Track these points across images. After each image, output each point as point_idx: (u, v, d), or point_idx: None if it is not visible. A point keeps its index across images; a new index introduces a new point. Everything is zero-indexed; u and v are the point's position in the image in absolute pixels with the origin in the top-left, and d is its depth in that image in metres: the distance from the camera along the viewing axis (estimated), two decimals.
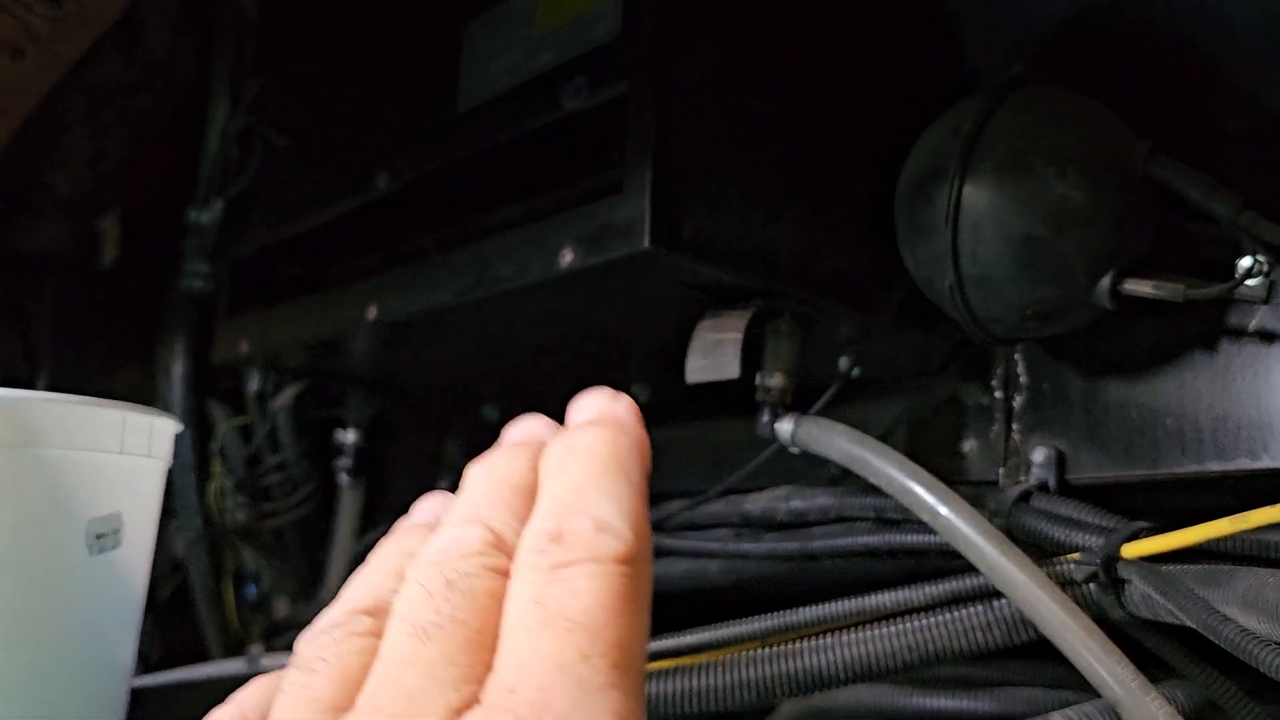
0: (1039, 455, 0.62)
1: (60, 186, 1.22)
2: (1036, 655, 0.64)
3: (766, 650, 0.55)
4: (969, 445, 0.66)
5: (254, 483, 0.98)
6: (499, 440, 0.32)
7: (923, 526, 0.60)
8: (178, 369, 0.97)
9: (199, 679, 0.76)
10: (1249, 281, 0.53)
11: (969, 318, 0.56)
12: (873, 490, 0.63)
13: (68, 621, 0.51)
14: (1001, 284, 0.54)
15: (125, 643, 0.56)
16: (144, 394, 1.03)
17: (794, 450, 0.61)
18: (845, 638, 0.54)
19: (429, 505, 0.33)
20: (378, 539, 0.96)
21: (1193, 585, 0.49)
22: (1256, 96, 0.56)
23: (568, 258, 0.55)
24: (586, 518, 0.26)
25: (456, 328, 0.69)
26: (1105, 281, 0.53)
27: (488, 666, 0.24)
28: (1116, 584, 0.52)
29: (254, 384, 0.92)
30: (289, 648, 0.85)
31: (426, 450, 1.00)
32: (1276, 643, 0.44)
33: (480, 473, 0.30)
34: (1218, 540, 0.50)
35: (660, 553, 0.76)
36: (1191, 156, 0.53)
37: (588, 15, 0.58)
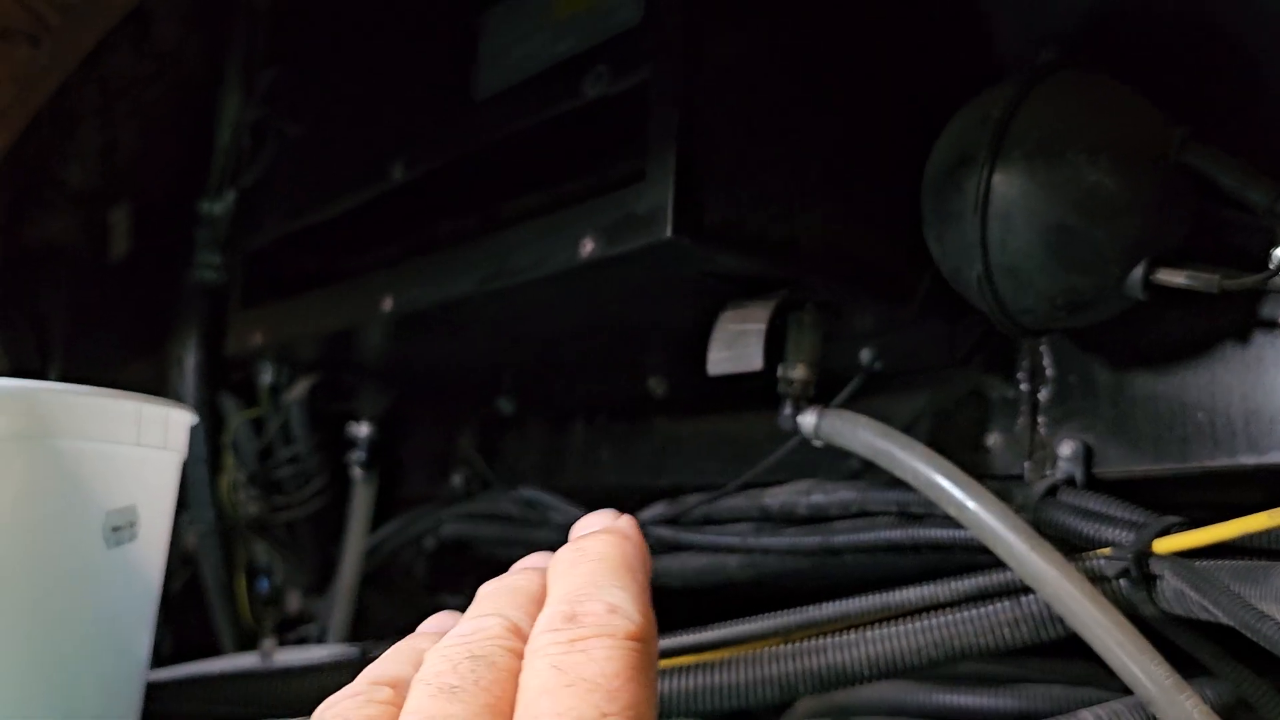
0: (1066, 449, 0.61)
1: (72, 179, 1.22)
2: (1056, 651, 0.64)
3: (789, 646, 0.54)
4: (993, 439, 0.65)
5: (266, 476, 0.98)
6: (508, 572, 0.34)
7: (948, 521, 0.60)
8: (190, 361, 0.97)
9: (213, 673, 0.75)
10: None
11: (997, 308, 0.55)
12: (896, 484, 0.62)
13: (85, 615, 0.51)
14: (1032, 274, 0.53)
15: (141, 636, 0.55)
16: (156, 386, 1.02)
17: (817, 443, 0.60)
18: (870, 634, 0.54)
19: (437, 620, 0.35)
20: (390, 533, 0.95)
21: (1228, 581, 0.48)
22: None
23: (588, 247, 0.55)
24: (599, 602, 0.28)
25: (473, 319, 0.68)
26: (1138, 271, 0.52)
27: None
28: (1148, 580, 0.51)
29: (267, 376, 0.91)
30: (301, 641, 0.85)
31: (440, 444, 0.99)
32: None
33: (492, 586, 0.32)
34: (1253, 535, 0.49)
35: (678, 547, 0.75)
36: (1227, 143, 0.52)
37: (609, 1, 0.57)
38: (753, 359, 0.56)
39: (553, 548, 0.91)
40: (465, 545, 0.94)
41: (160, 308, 1.10)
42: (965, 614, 0.53)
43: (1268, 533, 0.49)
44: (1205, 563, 0.50)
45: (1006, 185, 0.52)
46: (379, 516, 0.97)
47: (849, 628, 0.55)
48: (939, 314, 0.65)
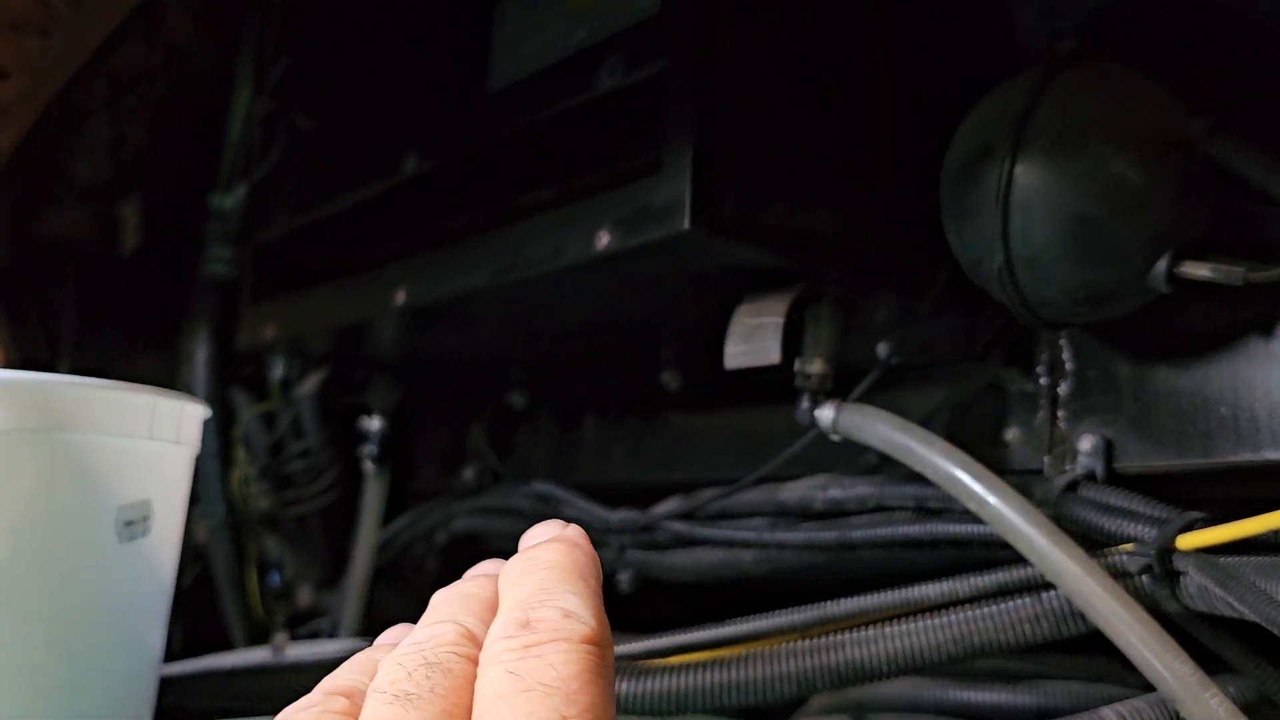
0: (1086, 444, 0.60)
1: (81, 173, 1.22)
2: (1074, 648, 0.63)
3: (806, 642, 0.54)
4: (1012, 433, 0.64)
5: (277, 470, 0.98)
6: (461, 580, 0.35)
7: (966, 516, 0.59)
8: (201, 355, 0.97)
9: (224, 668, 0.75)
10: None
11: (1018, 301, 0.54)
12: (913, 479, 0.61)
13: (98, 609, 0.50)
14: (1053, 266, 0.52)
15: (154, 631, 0.55)
16: (166, 380, 1.02)
17: (834, 438, 0.59)
18: (888, 630, 0.53)
19: (394, 631, 0.35)
20: (402, 527, 0.95)
21: (1253, 577, 0.48)
22: None
23: (604, 240, 0.54)
24: (553, 608, 0.28)
25: (486, 312, 0.68)
26: (1162, 264, 0.51)
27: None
28: (1171, 576, 0.51)
29: (278, 370, 0.91)
30: (313, 636, 0.84)
31: (451, 438, 0.99)
32: None
33: (446, 594, 0.32)
34: (1278, 531, 0.49)
35: (693, 542, 0.75)
36: (1253, 134, 0.51)
37: None
38: (770, 352, 0.55)
39: None
40: (477, 539, 0.93)
41: (169, 302, 1.10)
42: (985, 610, 0.53)
43: None
44: (1229, 559, 0.50)
45: (1028, 176, 0.52)
46: (390, 511, 0.97)
47: (867, 624, 0.54)
48: (956, 307, 0.64)
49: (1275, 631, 0.45)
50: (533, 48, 0.62)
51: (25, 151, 0.99)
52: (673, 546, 0.76)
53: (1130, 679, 0.61)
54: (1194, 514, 0.52)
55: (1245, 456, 0.55)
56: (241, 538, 1.00)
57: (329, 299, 0.76)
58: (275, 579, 1.04)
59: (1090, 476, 0.59)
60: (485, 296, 0.63)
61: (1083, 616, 0.51)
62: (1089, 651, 0.64)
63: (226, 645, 1.01)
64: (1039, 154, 0.51)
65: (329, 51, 0.85)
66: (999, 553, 0.58)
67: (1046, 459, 0.62)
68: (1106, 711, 0.51)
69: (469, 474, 0.95)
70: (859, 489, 0.65)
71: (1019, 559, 0.53)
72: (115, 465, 0.50)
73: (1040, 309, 0.55)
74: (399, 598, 1.01)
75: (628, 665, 0.55)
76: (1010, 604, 0.53)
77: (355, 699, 0.28)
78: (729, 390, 0.78)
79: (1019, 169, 0.52)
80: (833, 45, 0.59)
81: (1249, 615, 0.47)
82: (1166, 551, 0.51)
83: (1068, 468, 0.61)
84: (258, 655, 0.80)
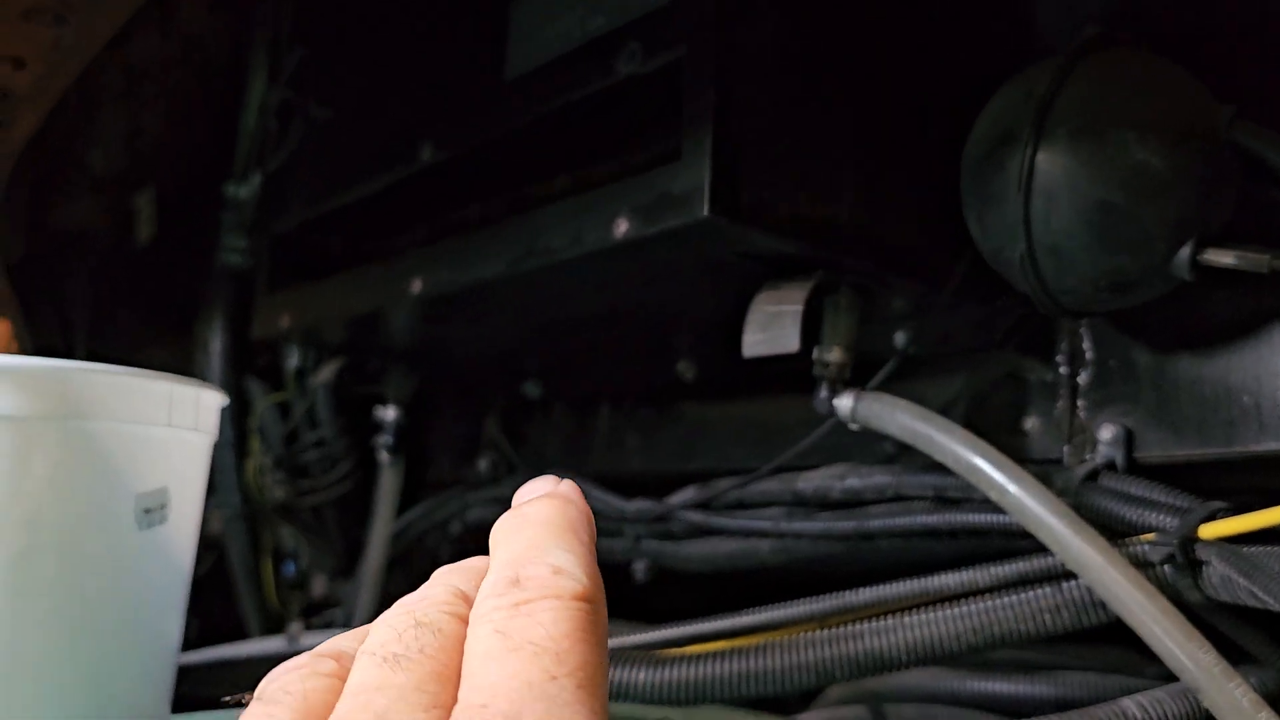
0: (1106, 433, 0.60)
1: (96, 163, 1.22)
2: (1090, 639, 0.63)
3: (825, 632, 0.54)
4: (1031, 422, 0.64)
5: (292, 460, 0.98)
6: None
7: (985, 506, 0.59)
8: (216, 345, 0.97)
9: (241, 657, 0.75)
10: None
11: (1039, 289, 0.54)
12: (932, 468, 0.61)
13: (117, 597, 0.50)
14: (1076, 253, 0.51)
15: (173, 619, 0.55)
16: (180, 370, 1.02)
17: (853, 427, 0.59)
18: (908, 619, 0.53)
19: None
20: (416, 517, 0.95)
21: (1277, 567, 0.47)
22: None
23: (623, 227, 0.54)
24: (543, 564, 0.27)
25: (503, 301, 0.68)
26: (1185, 251, 0.51)
27: (454, 699, 0.25)
28: (1194, 565, 0.50)
29: (293, 360, 0.91)
30: (328, 626, 0.85)
31: (466, 428, 0.99)
32: None
33: (444, 568, 0.32)
34: None
35: (709, 531, 0.74)
36: (1276, 122, 0.51)
37: None
38: (789, 341, 0.55)
39: None
40: (490, 530, 0.93)
41: (184, 292, 1.10)
42: (1005, 600, 0.52)
43: None
44: (1253, 548, 0.49)
45: (1050, 163, 0.51)
46: (405, 501, 0.97)
47: (886, 613, 0.54)
48: (975, 296, 0.64)
49: None
50: (549, 35, 0.61)
51: (40, 142, 0.99)
52: (689, 536, 0.76)
53: (1147, 670, 0.61)
54: (1216, 503, 0.52)
55: (1269, 446, 0.55)
56: (257, 528, 1.01)
57: (345, 288, 0.76)
58: (290, 569, 1.04)
59: (1110, 466, 0.59)
60: (502, 285, 0.62)
61: (1104, 606, 0.50)
62: (1105, 642, 0.64)
63: (241, 635, 1.01)
64: (1062, 141, 0.51)
65: (344, 41, 0.85)
66: (1018, 542, 0.58)
67: (1066, 449, 0.62)
68: (1127, 702, 0.50)
69: (483, 464, 0.95)
70: (877, 478, 0.65)
71: (1038, 549, 0.53)
72: (134, 453, 0.50)
73: (1062, 297, 0.54)
74: (413, 588, 1.01)
75: (645, 654, 0.55)
76: (1031, 593, 0.52)
77: (344, 661, 0.28)
78: (744, 380, 0.78)
79: (1041, 156, 0.51)
80: (852, 32, 0.58)
81: (1273, 605, 0.46)
82: (1189, 541, 0.50)
83: (1088, 457, 0.61)
84: (273, 644, 0.81)
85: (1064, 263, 0.52)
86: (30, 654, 0.47)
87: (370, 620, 0.83)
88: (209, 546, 1.04)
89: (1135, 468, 0.59)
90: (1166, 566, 0.51)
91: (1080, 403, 0.62)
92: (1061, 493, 0.56)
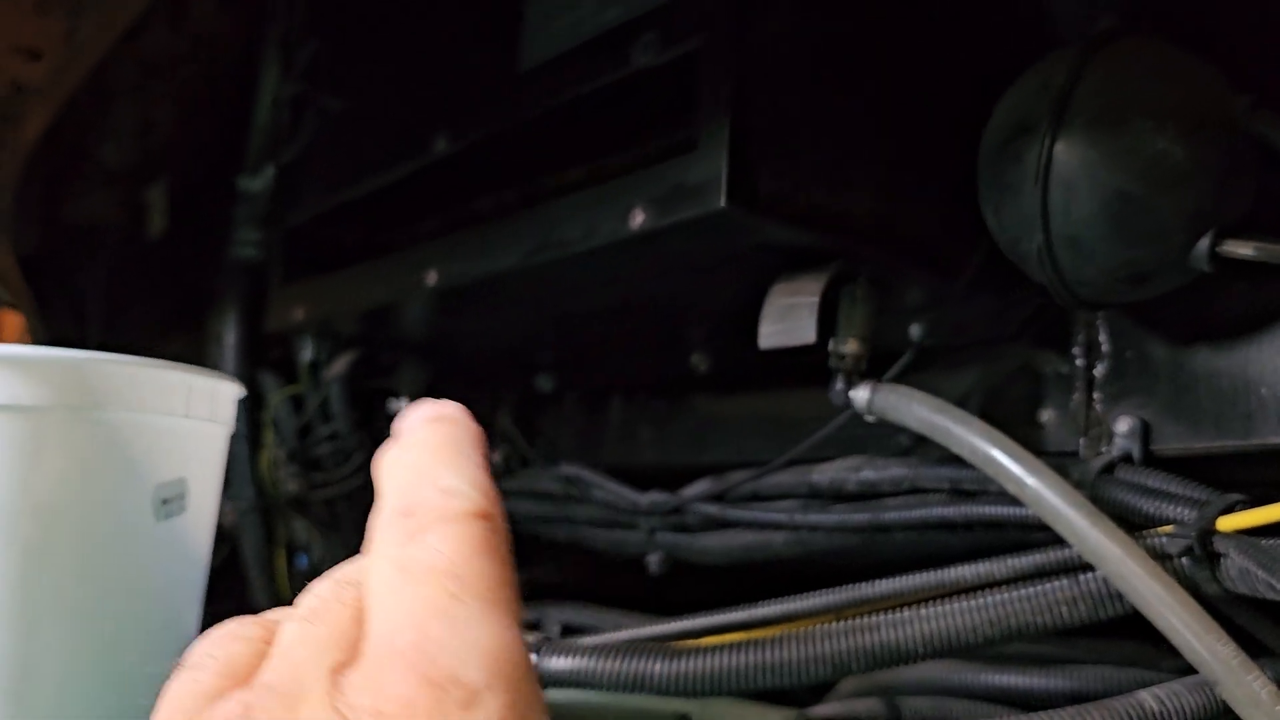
0: (1123, 425, 0.60)
1: (109, 157, 1.22)
2: (1105, 632, 0.63)
3: (841, 624, 0.54)
4: (1047, 415, 0.64)
5: (306, 453, 0.98)
6: None
7: (1002, 498, 0.59)
8: (230, 337, 0.97)
9: None
10: None
11: (1057, 280, 0.54)
12: (948, 461, 0.61)
13: (135, 587, 0.51)
14: (1094, 244, 0.51)
15: (190, 610, 0.55)
16: (193, 363, 1.03)
17: (869, 419, 0.59)
18: (924, 612, 0.53)
19: None
20: None
21: None
22: None
23: (639, 219, 0.54)
24: (431, 489, 0.27)
25: (517, 293, 0.68)
26: (1204, 242, 0.50)
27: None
28: (1212, 558, 0.50)
29: (307, 353, 0.91)
30: None
31: (479, 421, 0.98)
32: None
33: None
34: None
35: (724, 524, 0.74)
36: None
37: None
38: (805, 332, 0.55)
39: (592, 524, 0.91)
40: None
41: (196, 285, 1.10)
42: (1022, 592, 0.52)
43: None
44: (1272, 541, 0.49)
45: (1068, 154, 0.51)
46: None
47: (902, 605, 0.54)
48: (990, 288, 0.64)
49: None
50: (564, 26, 0.61)
51: (53, 136, 1.00)
52: (703, 529, 0.76)
53: (1162, 663, 0.61)
54: (1234, 496, 0.52)
55: None
56: (270, 520, 1.01)
57: (360, 280, 0.76)
58: (303, 561, 1.04)
59: (1127, 458, 0.59)
60: (517, 277, 0.62)
61: (1121, 598, 0.50)
62: (1120, 636, 0.64)
63: None
64: (1079, 131, 0.51)
65: (357, 33, 0.85)
66: (1034, 535, 0.58)
67: (1082, 441, 0.62)
68: (1144, 695, 0.50)
69: (497, 457, 0.95)
70: (893, 470, 0.65)
71: (1054, 541, 0.53)
72: (152, 443, 0.51)
73: (1079, 289, 0.54)
74: None
75: (661, 646, 0.55)
76: (1048, 586, 0.52)
77: (270, 628, 0.28)
78: (758, 373, 0.78)
79: (1059, 146, 0.51)
80: (868, 23, 0.58)
81: None
82: (1207, 533, 0.50)
83: (1104, 450, 0.60)
84: None
85: (1082, 254, 0.52)
86: (49, 643, 0.47)
87: None
88: (222, 539, 1.05)
89: (1152, 460, 0.59)
90: (1184, 559, 0.51)
91: (1097, 395, 0.62)
92: (1078, 485, 0.56)
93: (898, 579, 0.56)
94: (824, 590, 0.57)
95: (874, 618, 0.53)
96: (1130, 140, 0.50)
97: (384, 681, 0.23)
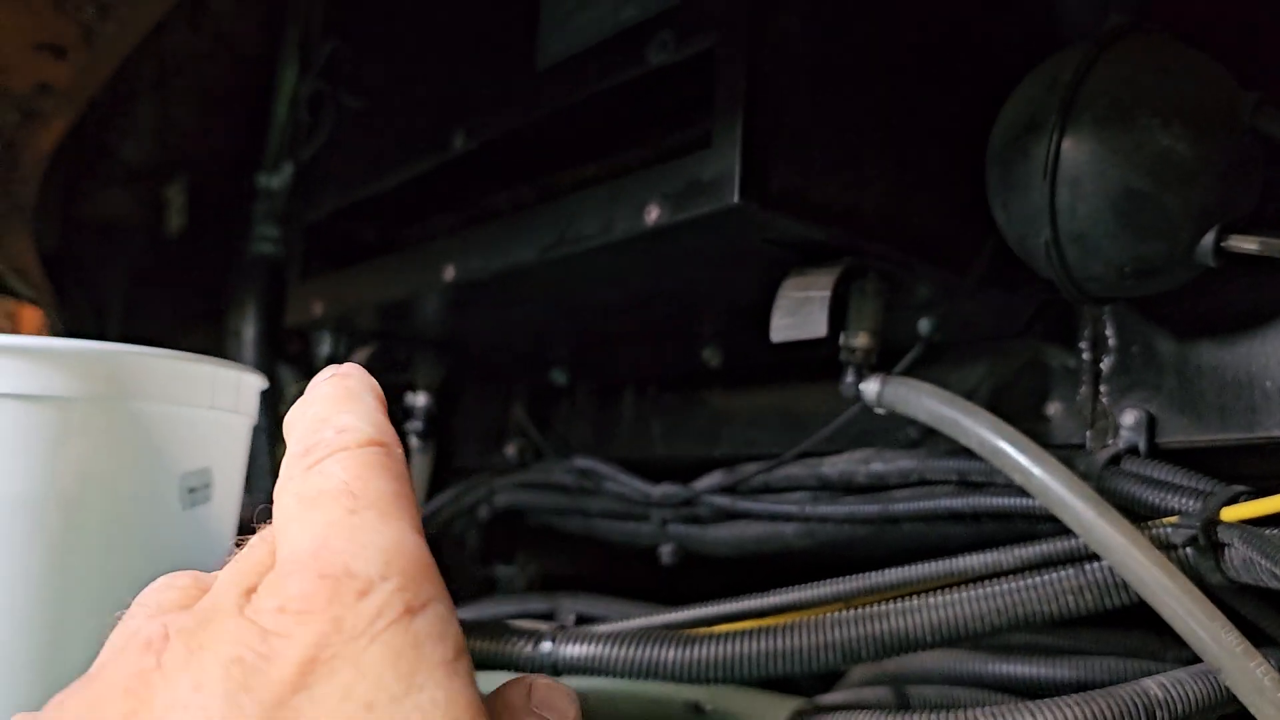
0: (1128, 418, 0.60)
1: (128, 154, 1.24)
2: (1110, 623, 0.63)
3: (852, 612, 0.54)
4: (1054, 408, 0.64)
5: None
6: None
7: (1009, 489, 0.60)
8: (249, 332, 0.98)
9: None
10: None
11: (1064, 276, 0.54)
12: (956, 453, 0.62)
13: (162, 573, 0.52)
14: (1101, 240, 0.52)
15: None
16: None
17: (879, 411, 0.60)
18: (933, 600, 0.54)
19: None
20: (445, 502, 0.96)
21: None
22: None
23: (654, 214, 0.55)
24: (328, 429, 0.29)
25: (533, 288, 0.69)
26: (1209, 238, 0.51)
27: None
28: (1216, 548, 0.51)
29: (325, 347, 0.93)
30: None
31: (493, 415, 1.00)
32: None
33: None
34: None
35: (735, 515, 0.75)
36: None
37: None
38: (816, 326, 0.56)
39: (605, 516, 0.92)
40: (519, 514, 0.95)
41: (214, 281, 1.12)
42: (1029, 581, 0.53)
43: None
44: (1276, 531, 0.50)
45: (1076, 150, 0.52)
46: (433, 486, 0.98)
47: (911, 594, 0.55)
48: (999, 283, 0.65)
49: None
50: (581, 24, 0.62)
51: (74, 134, 1.01)
52: (715, 520, 0.77)
53: (1167, 654, 0.62)
54: (1238, 487, 0.52)
55: None
56: None
57: (378, 275, 0.77)
58: None
59: (1133, 451, 0.60)
60: (534, 272, 0.63)
61: (1126, 588, 0.51)
62: (1124, 627, 0.64)
63: None
64: (1087, 128, 0.52)
65: (374, 31, 0.86)
66: (1040, 526, 0.59)
67: (1089, 434, 0.62)
68: (1148, 682, 0.51)
69: (511, 450, 0.96)
70: (901, 463, 0.66)
71: (1060, 532, 0.54)
72: (178, 433, 0.52)
73: (1086, 284, 0.55)
74: (441, 572, 1.02)
75: (674, 633, 0.56)
76: (1054, 575, 0.53)
77: (204, 583, 0.31)
78: (769, 367, 0.79)
79: (1067, 143, 0.52)
80: (880, 21, 0.59)
81: None
82: (1211, 524, 0.51)
83: (1110, 442, 0.61)
84: None
85: (1088, 250, 0.53)
86: (77, 629, 0.48)
87: None
88: (240, 531, 1.06)
89: (1157, 453, 0.60)
90: (1189, 549, 0.51)
91: (1103, 388, 0.63)
92: (1084, 477, 0.56)
93: (906, 568, 0.57)
94: (834, 579, 0.58)
95: (883, 606, 0.54)
96: (1137, 137, 0.51)
97: (285, 584, 0.25)
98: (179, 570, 0.52)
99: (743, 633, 0.54)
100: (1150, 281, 0.54)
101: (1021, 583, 0.53)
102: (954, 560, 0.56)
